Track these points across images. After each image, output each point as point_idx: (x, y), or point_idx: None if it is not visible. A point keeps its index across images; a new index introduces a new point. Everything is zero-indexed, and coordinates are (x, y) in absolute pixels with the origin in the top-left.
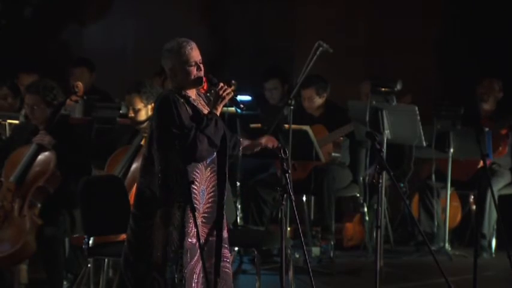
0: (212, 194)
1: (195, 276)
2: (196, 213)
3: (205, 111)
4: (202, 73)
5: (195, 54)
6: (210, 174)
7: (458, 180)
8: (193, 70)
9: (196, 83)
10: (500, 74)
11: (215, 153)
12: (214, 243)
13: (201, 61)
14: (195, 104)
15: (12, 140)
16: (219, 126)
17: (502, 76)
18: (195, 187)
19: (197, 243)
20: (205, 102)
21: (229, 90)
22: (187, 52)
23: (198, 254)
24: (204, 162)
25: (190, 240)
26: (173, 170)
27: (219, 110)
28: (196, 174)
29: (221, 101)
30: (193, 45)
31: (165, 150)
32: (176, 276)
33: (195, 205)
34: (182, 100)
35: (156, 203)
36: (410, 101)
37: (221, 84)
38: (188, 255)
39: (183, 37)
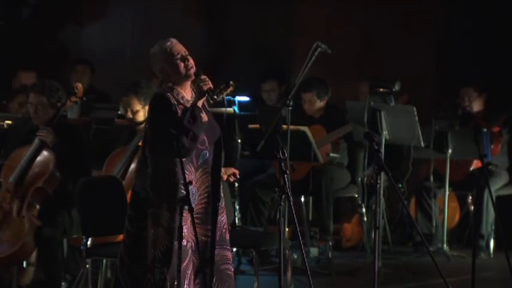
0: (205, 195)
1: (186, 277)
2: (184, 214)
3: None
4: (191, 63)
5: (178, 48)
6: (203, 175)
7: (451, 180)
8: (180, 63)
9: (187, 75)
10: (500, 73)
11: (207, 154)
12: (209, 244)
13: (186, 53)
14: (187, 105)
15: (9, 134)
16: (196, 117)
17: (500, 76)
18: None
19: (188, 245)
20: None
21: (207, 82)
22: (169, 48)
23: (189, 255)
24: (195, 163)
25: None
26: (163, 170)
27: (199, 102)
28: (186, 175)
29: (199, 93)
30: (174, 40)
31: (156, 150)
32: (162, 277)
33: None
34: (174, 101)
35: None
36: (407, 101)
37: (203, 76)
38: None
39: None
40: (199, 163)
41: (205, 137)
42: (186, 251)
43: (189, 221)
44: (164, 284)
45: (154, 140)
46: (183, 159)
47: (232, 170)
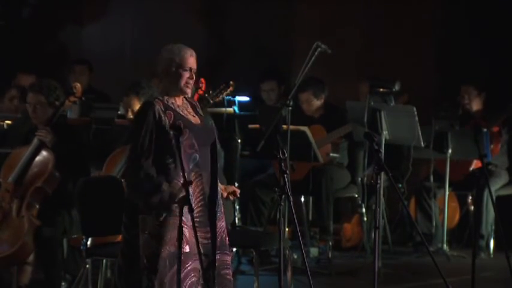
0: (201, 197)
1: (175, 284)
2: (175, 221)
3: (191, 118)
4: (192, 82)
5: (192, 62)
6: (195, 178)
7: (451, 180)
8: (186, 75)
9: (183, 90)
10: (499, 73)
11: (198, 157)
12: (210, 248)
13: (195, 71)
14: (178, 110)
15: (9, 134)
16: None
17: (500, 76)
18: None
19: (178, 251)
20: (194, 109)
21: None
22: (186, 56)
23: (182, 260)
24: (187, 167)
25: (168, 248)
26: (148, 177)
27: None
28: (176, 182)
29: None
30: (194, 53)
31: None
32: (150, 284)
33: (176, 213)
34: (162, 108)
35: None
36: (407, 101)
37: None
38: (167, 263)
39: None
40: (190, 167)
41: (194, 141)
42: (175, 257)
43: (185, 230)
44: None
45: (131, 152)
46: (172, 170)
47: (233, 188)
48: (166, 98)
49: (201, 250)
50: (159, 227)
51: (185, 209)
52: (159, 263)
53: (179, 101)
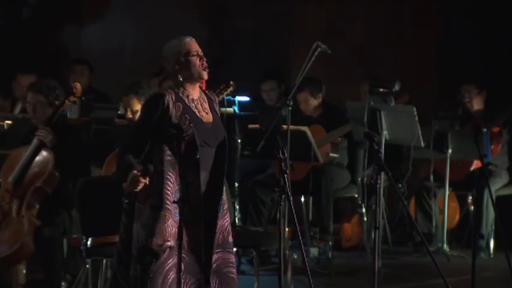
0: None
1: (160, 277)
2: (166, 213)
3: (203, 114)
4: (206, 64)
5: (195, 45)
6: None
7: (451, 180)
8: (196, 60)
9: (202, 74)
10: (500, 73)
11: (198, 156)
12: (202, 245)
13: (202, 54)
14: (190, 104)
15: (9, 135)
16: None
17: (501, 75)
18: (169, 188)
19: (165, 244)
20: (210, 104)
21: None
22: (188, 44)
23: (166, 254)
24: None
25: (156, 240)
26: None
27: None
28: (171, 175)
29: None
30: (192, 38)
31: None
32: (135, 273)
33: (167, 206)
34: (173, 98)
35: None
36: (408, 101)
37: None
38: (154, 254)
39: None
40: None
41: (196, 138)
42: (161, 250)
43: (169, 221)
44: (137, 281)
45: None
46: (169, 162)
47: None
48: (182, 90)
49: (185, 246)
50: (151, 219)
51: (175, 206)
52: (146, 253)
53: (196, 94)
